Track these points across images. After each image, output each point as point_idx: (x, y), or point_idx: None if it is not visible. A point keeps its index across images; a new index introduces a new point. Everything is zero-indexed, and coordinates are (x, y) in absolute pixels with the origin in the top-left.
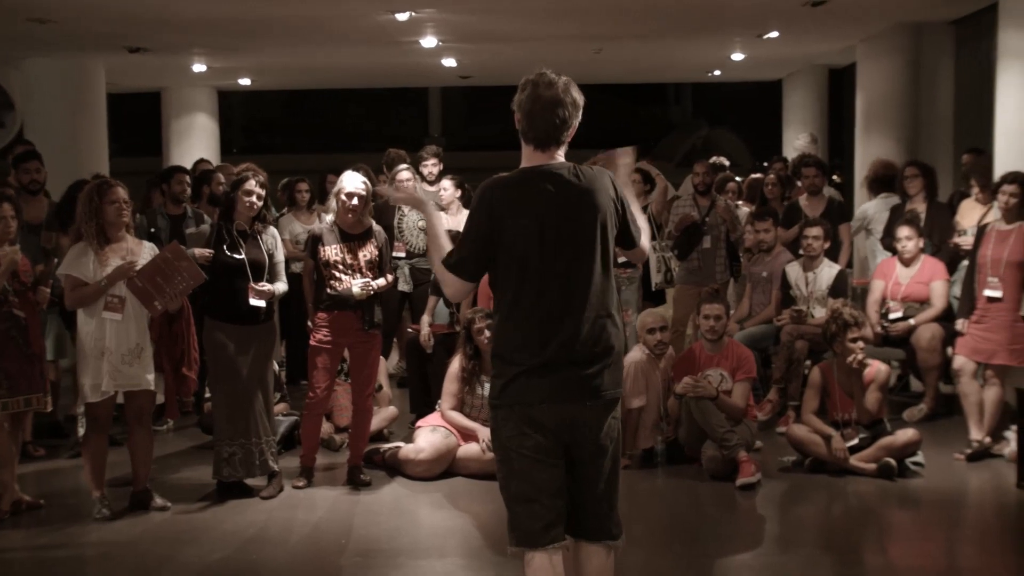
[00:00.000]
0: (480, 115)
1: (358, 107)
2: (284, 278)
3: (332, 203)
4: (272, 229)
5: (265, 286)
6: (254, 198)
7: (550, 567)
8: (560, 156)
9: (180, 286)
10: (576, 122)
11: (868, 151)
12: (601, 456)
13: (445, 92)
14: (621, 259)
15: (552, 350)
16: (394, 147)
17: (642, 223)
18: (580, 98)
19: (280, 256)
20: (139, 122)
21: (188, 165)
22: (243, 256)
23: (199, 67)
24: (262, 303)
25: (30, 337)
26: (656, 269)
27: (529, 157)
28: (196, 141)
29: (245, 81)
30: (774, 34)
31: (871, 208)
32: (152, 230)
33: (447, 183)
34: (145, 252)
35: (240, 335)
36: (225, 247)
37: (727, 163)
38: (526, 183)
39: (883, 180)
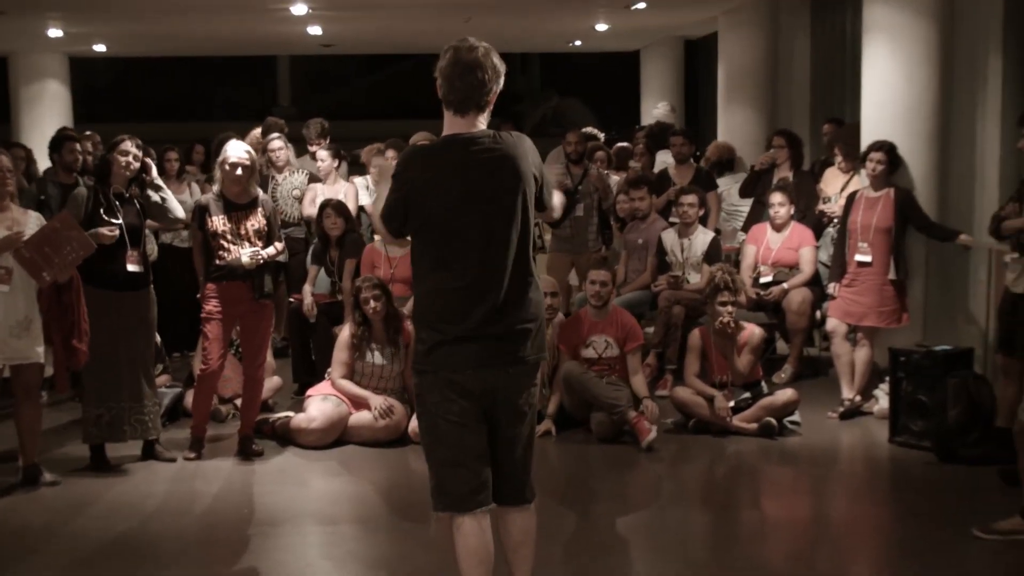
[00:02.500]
0: (328, 83)
1: (203, 75)
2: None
3: (217, 173)
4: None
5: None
6: (130, 158)
7: (479, 530)
8: (481, 123)
9: (69, 256)
10: (496, 88)
11: (730, 121)
12: (520, 422)
13: (294, 60)
14: None
15: (474, 318)
16: (238, 117)
17: (553, 183)
18: (501, 65)
19: (173, 198)
20: None
21: (39, 133)
22: (120, 221)
23: (54, 32)
24: (140, 268)
25: None
26: None
27: (450, 124)
28: (47, 109)
29: (100, 47)
30: (641, 5)
31: (722, 190)
32: (42, 198)
33: (323, 153)
34: (31, 222)
35: (116, 301)
36: (102, 211)
37: (600, 134)
38: (445, 150)
39: (725, 163)
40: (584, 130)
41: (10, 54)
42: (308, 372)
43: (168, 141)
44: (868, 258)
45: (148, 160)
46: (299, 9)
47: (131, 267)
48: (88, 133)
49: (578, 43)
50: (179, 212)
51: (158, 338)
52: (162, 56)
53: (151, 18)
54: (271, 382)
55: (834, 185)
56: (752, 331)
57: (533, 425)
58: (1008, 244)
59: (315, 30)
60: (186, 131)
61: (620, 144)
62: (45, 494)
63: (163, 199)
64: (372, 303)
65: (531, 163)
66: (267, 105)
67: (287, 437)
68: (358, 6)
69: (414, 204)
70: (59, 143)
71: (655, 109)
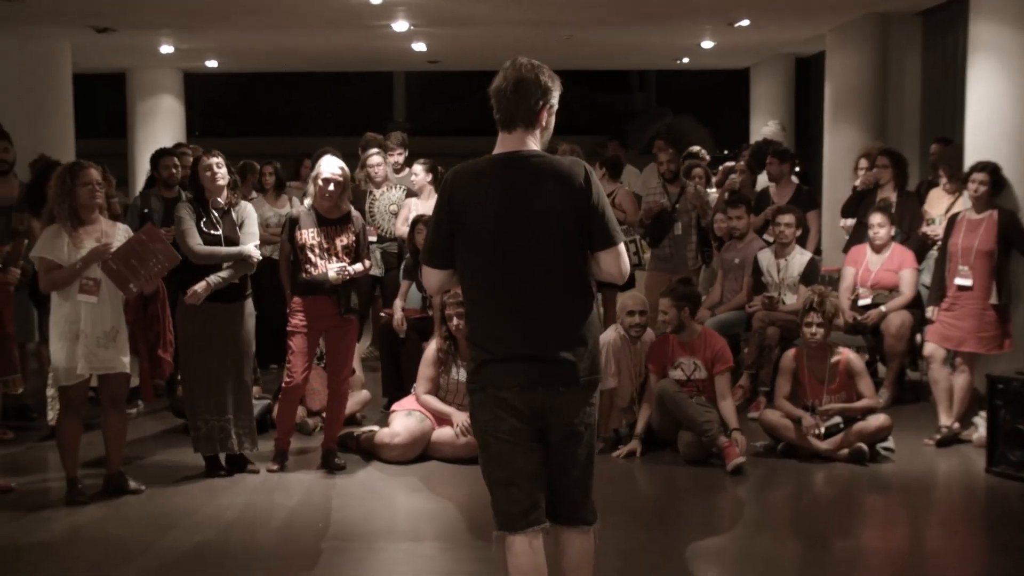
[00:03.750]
0: (444, 99)
1: (321, 90)
2: (255, 244)
3: (310, 187)
4: (245, 203)
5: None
6: (215, 169)
7: (530, 551)
8: (531, 142)
9: (155, 268)
10: (545, 105)
11: (836, 141)
12: (575, 442)
13: (409, 76)
14: None
15: (518, 339)
16: (361, 131)
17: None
18: (551, 82)
19: (251, 228)
20: (105, 103)
21: (153, 147)
22: (220, 232)
23: (166, 48)
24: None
25: (2, 319)
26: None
27: (500, 143)
28: (161, 123)
29: (212, 63)
30: (745, 22)
31: None
32: (146, 211)
33: (418, 167)
34: (119, 234)
35: (214, 313)
36: (202, 224)
37: (703, 152)
38: (489, 169)
39: None
40: (692, 148)
41: (127, 70)
42: (397, 387)
43: (283, 155)
44: (968, 282)
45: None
46: (401, 26)
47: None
48: (191, 147)
49: (686, 60)
50: (248, 255)
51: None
52: (273, 71)
53: (257, 34)
54: (360, 396)
55: (939, 207)
56: (848, 355)
57: (592, 445)
58: None
59: (419, 46)
60: (302, 145)
61: (727, 164)
62: (128, 502)
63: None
64: (456, 320)
65: (580, 188)
66: (384, 120)
67: (371, 452)
68: (459, 22)
69: (457, 224)
70: (156, 159)
71: (764, 127)
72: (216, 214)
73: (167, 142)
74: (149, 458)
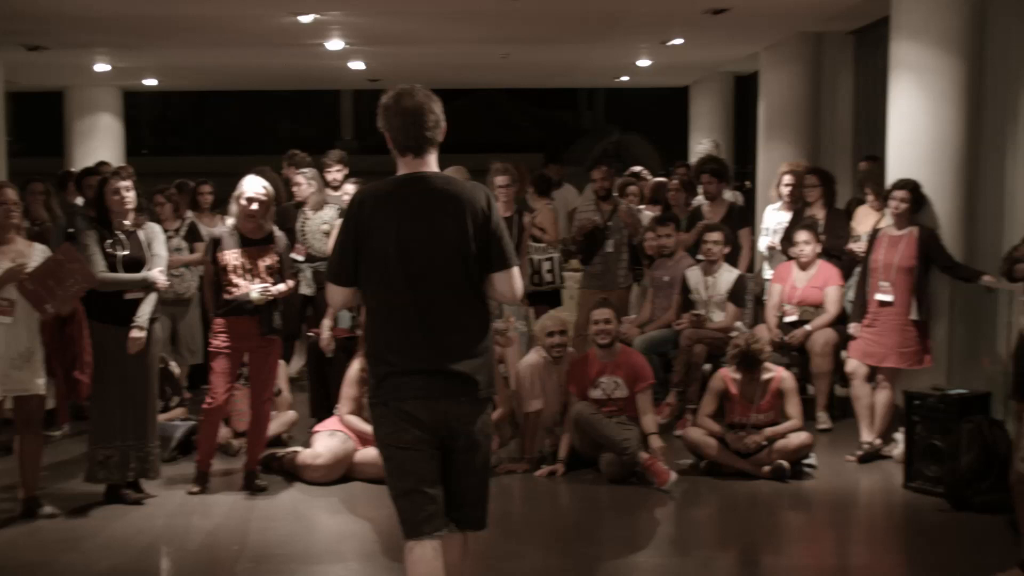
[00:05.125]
0: None
1: (270, 109)
2: (160, 269)
3: (232, 207)
4: (153, 224)
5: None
6: (122, 193)
7: (429, 556)
8: (432, 163)
9: (72, 289)
10: (440, 127)
11: (770, 158)
12: (473, 450)
13: (357, 94)
14: None
15: (420, 353)
16: (305, 150)
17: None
18: (438, 106)
19: (160, 250)
20: (42, 122)
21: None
22: (126, 253)
23: (102, 67)
24: (141, 296)
25: None
26: (534, 271)
27: (403, 165)
28: (100, 142)
29: (151, 82)
30: (678, 41)
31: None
32: (70, 230)
33: (351, 188)
34: (36, 254)
35: (118, 336)
36: (107, 245)
37: (647, 173)
38: (396, 191)
39: None
40: (632, 169)
41: (65, 88)
42: (326, 407)
43: (235, 174)
44: (889, 297)
45: None
46: (335, 44)
47: (128, 297)
48: (121, 167)
49: (625, 78)
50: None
51: (176, 370)
52: (214, 90)
53: (194, 53)
54: (286, 416)
55: (865, 223)
56: (782, 375)
57: (487, 454)
58: (1022, 286)
59: (358, 65)
60: (251, 164)
61: (656, 180)
62: (43, 527)
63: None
64: None
65: (480, 209)
66: (330, 139)
67: (294, 473)
68: (395, 41)
69: (364, 244)
70: (79, 179)
71: (698, 145)
72: (122, 235)
73: (107, 161)
74: (67, 482)
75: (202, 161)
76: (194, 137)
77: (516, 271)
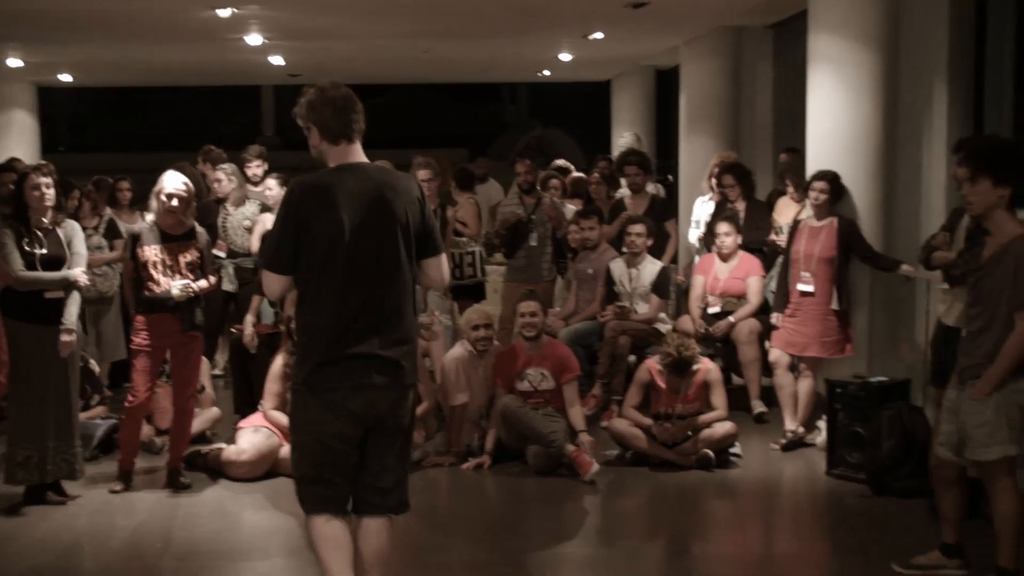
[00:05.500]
0: None
1: (190, 105)
2: (82, 269)
3: (152, 203)
4: (71, 222)
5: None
6: (43, 189)
7: (339, 528)
8: (362, 153)
9: None
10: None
11: (692, 150)
12: (398, 435)
13: (278, 90)
14: None
15: (351, 340)
16: (226, 146)
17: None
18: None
19: (80, 248)
20: None
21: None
22: (44, 251)
23: (14, 61)
24: (61, 295)
25: None
26: (455, 265)
27: (336, 155)
28: (14, 139)
29: (66, 77)
30: (599, 35)
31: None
32: None
33: (272, 182)
34: None
35: (38, 335)
36: (24, 243)
37: (570, 166)
38: (331, 180)
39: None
40: (556, 162)
41: None
42: (249, 403)
43: (151, 171)
44: (811, 288)
45: None
46: (255, 39)
47: (48, 295)
48: (42, 163)
49: (547, 73)
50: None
51: (97, 368)
52: (132, 86)
53: (109, 48)
54: (209, 413)
55: (786, 215)
56: (708, 366)
57: (409, 439)
58: (940, 274)
59: (277, 60)
60: (170, 160)
61: (576, 174)
62: None
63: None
64: None
65: (415, 198)
66: (252, 135)
67: (218, 469)
68: (314, 36)
69: (303, 232)
70: None
71: (620, 139)
72: (40, 233)
73: (21, 158)
74: None
75: (121, 158)
76: (113, 134)
77: (444, 257)
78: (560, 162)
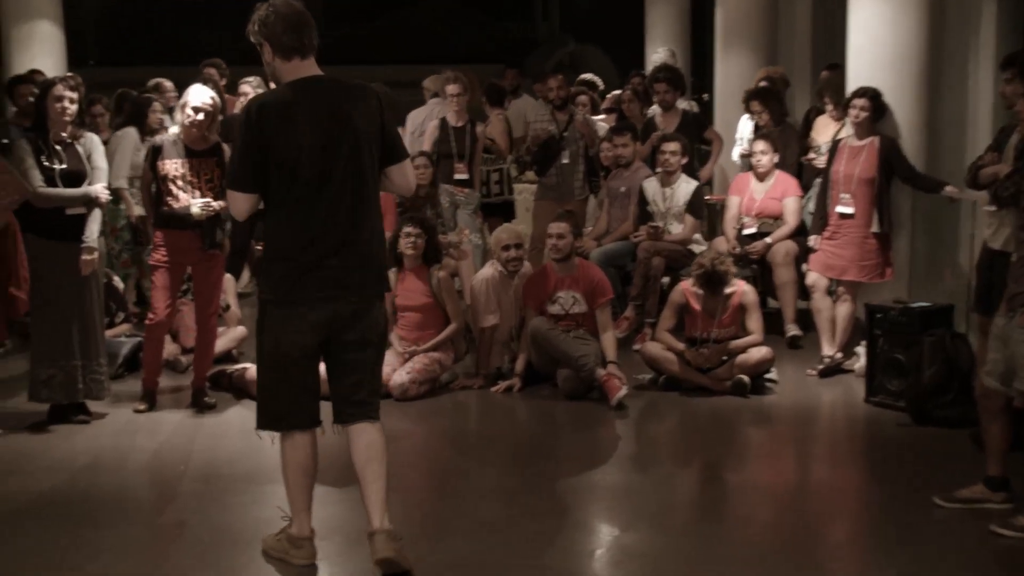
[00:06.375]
0: (337, 27)
1: (224, 16)
2: (104, 183)
3: (177, 115)
4: (91, 135)
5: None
6: (65, 103)
7: (302, 444)
8: (317, 68)
9: (3, 201)
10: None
11: (728, 67)
12: (364, 347)
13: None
14: (459, 176)
15: (316, 251)
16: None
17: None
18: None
19: (100, 162)
20: None
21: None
22: (64, 167)
23: None
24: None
25: None
26: (484, 180)
27: (289, 71)
28: (39, 50)
29: None
30: None
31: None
32: (4, 141)
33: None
34: None
35: (60, 252)
36: (43, 158)
37: (598, 80)
38: (288, 97)
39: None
40: (583, 76)
41: None
42: None
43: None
44: (850, 209)
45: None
46: None
47: (69, 212)
48: (69, 75)
49: None
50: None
51: (120, 285)
52: None
53: None
54: (235, 332)
55: (825, 134)
56: (744, 289)
57: (380, 350)
58: (986, 195)
59: None
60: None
61: (614, 92)
62: None
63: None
64: None
65: (375, 110)
66: (254, 50)
67: (244, 389)
68: None
69: (268, 149)
70: (11, 87)
71: (654, 55)
72: (59, 147)
73: (47, 70)
74: (8, 400)
75: (151, 72)
76: (143, 47)
77: (408, 163)
78: (587, 76)
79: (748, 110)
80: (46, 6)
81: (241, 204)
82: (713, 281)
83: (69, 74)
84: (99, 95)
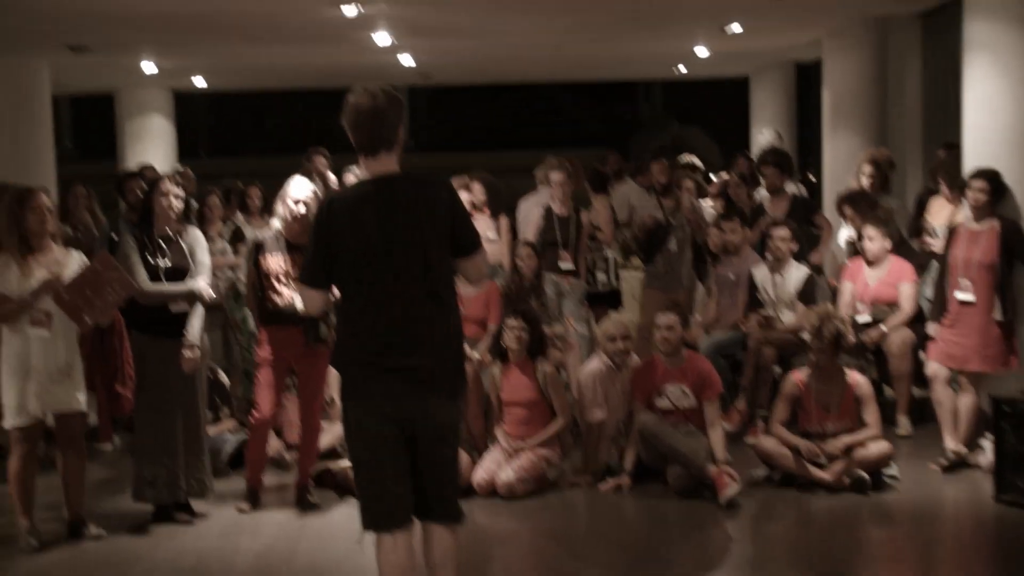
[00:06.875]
0: (445, 114)
1: (328, 107)
2: (206, 278)
3: (279, 209)
4: (194, 230)
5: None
6: (171, 199)
7: (399, 547)
8: (394, 162)
9: (110, 298)
10: (400, 126)
11: (836, 148)
12: (441, 444)
13: (411, 91)
14: (564, 265)
15: (385, 350)
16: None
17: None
18: (399, 104)
19: (203, 257)
20: (99, 125)
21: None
22: (166, 263)
23: (149, 67)
24: (186, 308)
25: None
26: (590, 268)
27: (367, 165)
28: (151, 144)
29: (200, 82)
30: (737, 28)
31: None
32: (113, 236)
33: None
34: (73, 263)
35: (164, 349)
36: (148, 254)
37: (698, 162)
38: (360, 194)
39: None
40: (683, 158)
41: (115, 90)
42: None
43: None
44: (970, 296)
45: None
46: (383, 39)
47: (174, 308)
48: (181, 170)
49: (682, 69)
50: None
51: (226, 380)
52: (265, 89)
53: (240, 51)
54: (339, 428)
55: (940, 216)
56: (857, 379)
57: (456, 448)
58: None
59: (407, 60)
60: (288, 164)
61: (722, 175)
62: (89, 549)
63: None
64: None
65: (444, 204)
66: None
67: (349, 488)
68: (443, 35)
69: (337, 246)
70: (121, 183)
71: (759, 136)
72: (163, 243)
73: (158, 163)
74: (114, 499)
75: (260, 162)
76: (252, 138)
77: (481, 255)
78: (688, 158)
79: (840, 214)
80: (158, 101)
81: (313, 299)
82: (838, 344)
83: (181, 168)
84: (213, 187)
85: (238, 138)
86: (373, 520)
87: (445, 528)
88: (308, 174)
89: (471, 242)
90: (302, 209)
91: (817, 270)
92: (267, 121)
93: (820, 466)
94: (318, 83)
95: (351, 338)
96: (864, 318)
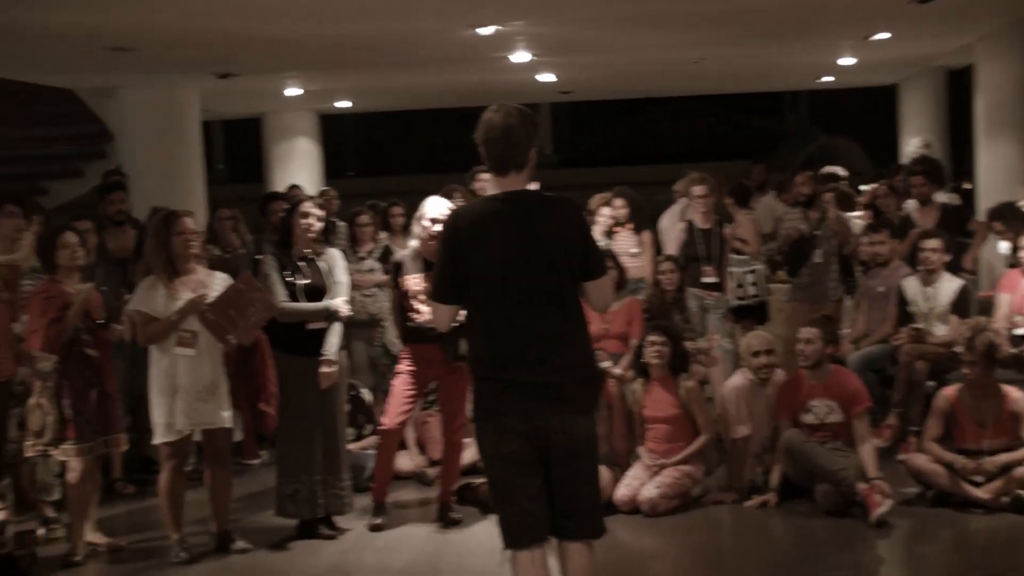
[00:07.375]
0: (588, 129)
1: (470, 126)
2: (345, 297)
3: (415, 229)
4: (332, 250)
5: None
6: (311, 219)
7: (535, 565)
8: (523, 182)
9: (253, 318)
10: (532, 148)
11: (991, 156)
12: (576, 459)
13: (555, 108)
14: (707, 279)
15: (523, 367)
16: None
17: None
18: (533, 125)
19: (341, 276)
20: (250, 148)
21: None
22: (306, 282)
23: (292, 91)
24: (324, 325)
25: (103, 376)
26: (737, 284)
27: (496, 185)
28: (297, 166)
29: (345, 104)
30: (883, 35)
31: None
32: (257, 257)
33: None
34: (217, 284)
35: (302, 367)
36: (286, 274)
37: (842, 173)
38: (489, 210)
39: None
40: (826, 169)
41: (262, 114)
42: None
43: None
44: None
45: None
46: (521, 56)
47: (311, 327)
48: (325, 189)
49: (828, 79)
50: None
51: (369, 396)
52: (407, 109)
53: (381, 73)
54: None
55: None
56: (1013, 395)
57: (594, 462)
58: None
59: (547, 77)
60: (456, 179)
61: (872, 185)
62: (235, 563)
63: None
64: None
65: (573, 225)
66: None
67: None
68: (582, 50)
69: (467, 262)
70: (265, 204)
71: (908, 146)
72: (302, 263)
73: (305, 184)
74: (261, 514)
75: (408, 180)
76: (399, 157)
77: (607, 279)
78: (831, 169)
79: (990, 229)
80: (303, 123)
81: (442, 315)
82: (992, 357)
83: (324, 188)
84: (362, 207)
85: (385, 157)
86: (509, 537)
87: (582, 544)
88: (448, 195)
89: (600, 265)
90: (439, 228)
91: (969, 272)
92: (414, 139)
93: (976, 484)
94: (460, 102)
95: (481, 355)
96: (1021, 331)
